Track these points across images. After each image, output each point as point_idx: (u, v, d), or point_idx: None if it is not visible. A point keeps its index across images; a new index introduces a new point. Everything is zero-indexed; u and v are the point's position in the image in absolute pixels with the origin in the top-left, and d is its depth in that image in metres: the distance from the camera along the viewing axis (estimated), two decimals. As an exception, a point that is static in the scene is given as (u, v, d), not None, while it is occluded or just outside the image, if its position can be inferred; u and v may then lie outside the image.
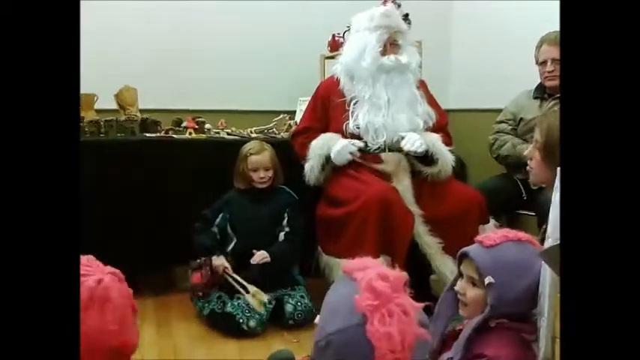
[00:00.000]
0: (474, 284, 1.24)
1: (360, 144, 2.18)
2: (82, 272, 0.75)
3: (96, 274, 0.76)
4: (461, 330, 1.25)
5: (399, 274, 0.93)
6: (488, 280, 1.18)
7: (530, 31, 2.66)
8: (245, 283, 2.02)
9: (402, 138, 2.15)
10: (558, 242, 0.91)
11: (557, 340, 0.91)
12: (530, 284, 1.17)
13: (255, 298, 1.97)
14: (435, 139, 2.21)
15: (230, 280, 2.04)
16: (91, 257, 0.82)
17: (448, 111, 2.61)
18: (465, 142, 3.03)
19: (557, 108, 2.37)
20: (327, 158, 2.20)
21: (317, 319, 0.99)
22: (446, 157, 2.20)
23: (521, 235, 1.27)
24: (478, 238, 1.28)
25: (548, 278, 1.11)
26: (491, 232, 1.29)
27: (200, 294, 2.06)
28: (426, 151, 2.16)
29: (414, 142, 2.12)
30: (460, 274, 1.31)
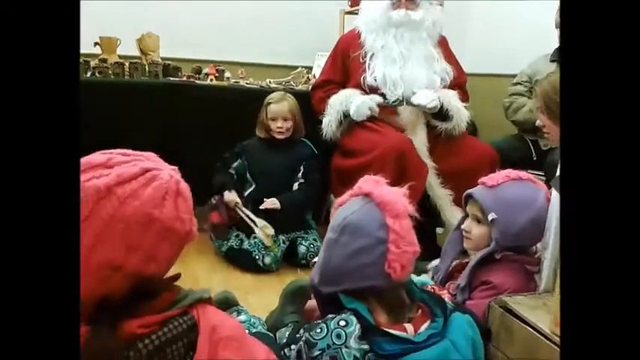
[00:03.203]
0: (478, 222, 1.33)
1: (379, 99, 2.20)
2: (153, 167, 0.81)
3: (165, 169, 0.82)
4: (467, 263, 1.34)
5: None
6: (491, 216, 1.27)
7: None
8: (254, 217, 2.11)
9: (415, 93, 2.18)
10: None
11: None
12: (532, 218, 1.25)
13: (263, 231, 2.07)
14: (451, 95, 2.24)
15: (241, 214, 2.13)
16: (153, 154, 0.88)
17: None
18: (477, 107, 3.07)
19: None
20: (345, 114, 2.24)
21: (315, 259, 1.10)
22: (461, 114, 2.23)
23: (522, 174, 1.34)
24: (481, 179, 1.35)
25: (554, 212, 1.18)
26: (493, 174, 1.35)
27: (218, 233, 2.14)
28: (441, 107, 2.19)
29: (426, 97, 2.14)
30: (466, 215, 1.39)
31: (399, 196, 1.01)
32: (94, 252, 0.73)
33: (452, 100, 2.23)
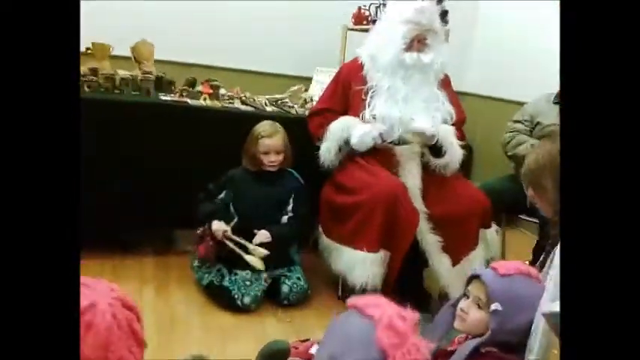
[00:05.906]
0: (479, 306, 1.28)
1: (382, 126, 2.12)
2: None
3: (91, 297, 0.75)
4: (451, 351, 1.30)
5: (413, 315, 0.96)
6: (495, 306, 1.22)
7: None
8: (244, 241, 2.04)
9: (413, 120, 2.11)
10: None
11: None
12: (531, 320, 1.21)
13: (256, 252, 2.02)
14: (449, 131, 2.19)
15: (229, 243, 2.04)
16: (103, 282, 0.80)
17: (463, 94, 2.54)
18: (474, 127, 3.01)
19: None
20: (345, 141, 2.17)
21: (313, 349, 1.03)
22: (455, 151, 2.18)
23: (533, 271, 1.29)
24: (493, 264, 1.31)
25: (542, 319, 1.15)
26: (505, 262, 1.32)
27: (208, 265, 2.09)
28: (436, 142, 2.13)
29: (423, 126, 2.09)
30: (465, 294, 1.34)
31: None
32: None
33: (448, 135, 2.18)
